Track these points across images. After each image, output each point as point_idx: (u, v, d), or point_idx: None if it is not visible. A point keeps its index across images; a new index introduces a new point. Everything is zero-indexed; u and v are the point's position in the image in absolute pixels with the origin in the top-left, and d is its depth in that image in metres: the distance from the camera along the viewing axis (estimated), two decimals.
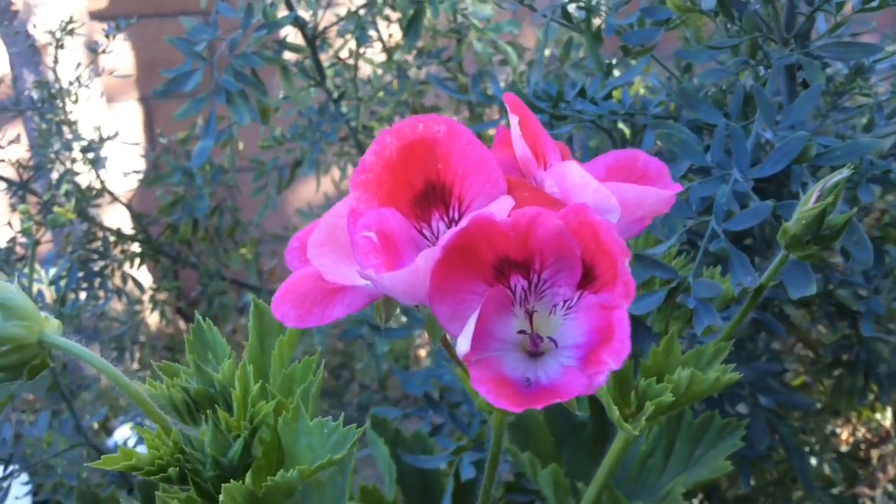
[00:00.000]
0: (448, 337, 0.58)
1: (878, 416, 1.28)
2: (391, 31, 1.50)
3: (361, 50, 1.42)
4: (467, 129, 0.56)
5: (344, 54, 1.44)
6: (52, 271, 1.20)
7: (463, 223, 0.50)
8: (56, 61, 1.36)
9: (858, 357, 0.98)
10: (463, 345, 0.51)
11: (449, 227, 0.56)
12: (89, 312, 1.36)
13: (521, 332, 0.54)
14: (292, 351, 0.69)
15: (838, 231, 0.66)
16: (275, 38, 1.30)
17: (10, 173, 1.38)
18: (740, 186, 0.72)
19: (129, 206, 1.52)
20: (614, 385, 0.74)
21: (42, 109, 1.35)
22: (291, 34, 1.39)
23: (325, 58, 1.42)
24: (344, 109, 1.40)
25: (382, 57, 1.51)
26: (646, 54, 0.88)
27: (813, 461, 1.17)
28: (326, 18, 1.36)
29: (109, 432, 1.49)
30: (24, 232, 1.14)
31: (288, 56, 1.34)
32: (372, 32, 1.43)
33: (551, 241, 0.52)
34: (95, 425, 1.37)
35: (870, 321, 0.86)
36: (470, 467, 0.96)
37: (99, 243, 1.43)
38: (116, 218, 1.57)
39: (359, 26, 1.34)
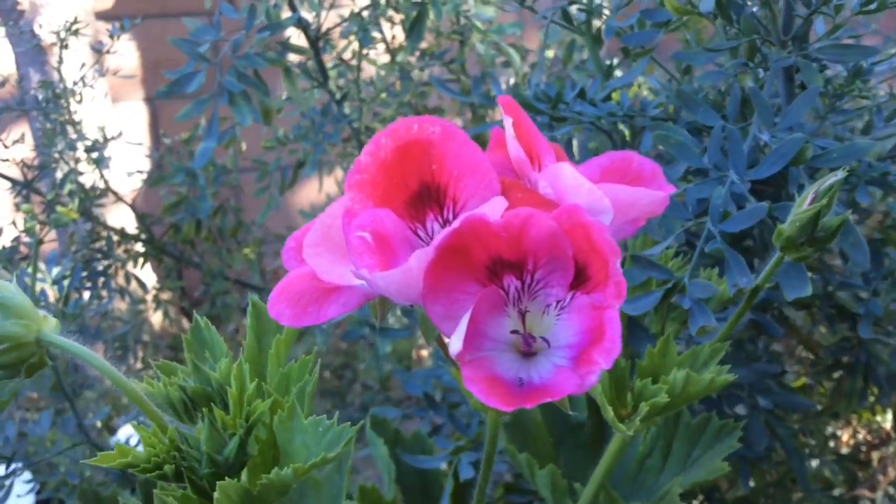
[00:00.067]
0: (443, 337, 0.59)
1: (878, 418, 1.28)
2: (394, 33, 1.50)
3: (364, 51, 1.43)
4: (462, 130, 0.57)
5: (347, 55, 1.45)
6: (55, 270, 1.21)
7: (455, 224, 0.51)
8: (60, 61, 1.37)
9: (858, 359, 0.98)
10: (456, 344, 0.51)
11: (443, 227, 0.57)
12: (93, 312, 1.37)
13: (514, 332, 0.55)
14: (289, 350, 0.70)
15: (833, 233, 0.66)
16: (278, 39, 1.30)
17: (15, 173, 1.39)
18: (737, 188, 0.72)
19: (132, 205, 1.53)
20: (610, 386, 0.75)
21: (46, 109, 1.35)
22: (295, 35, 1.40)
23: (328, 59, 1.43)
24: (347, 110, 1.40)
25: (386, 58, 1.51)
26: (645, 56, 0.88)
27: (815, 463, 1.17)
28: (330, 20, 1.37)
29: (113, 431, 1.50)
30: (28, 231, 1.15)
31: (291, 57, 1.34)
32: (375, 34, 1.43)
33: (544, 242, 0.52)
34: (98, 424, 1.37)
35: (868, 323, 0.86)
36: (468, 467, 0.96)
37: (102, 243, 1.44)
38: (120, 217, 1.58)
39: (361, 28, 1.35)
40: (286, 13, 1.28)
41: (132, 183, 1.57)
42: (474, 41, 1.46)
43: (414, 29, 1.36)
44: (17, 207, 1.34)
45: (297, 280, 0.59)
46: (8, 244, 1.30)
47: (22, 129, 1.43)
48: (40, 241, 1.15)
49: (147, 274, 1.64)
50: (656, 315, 0.81)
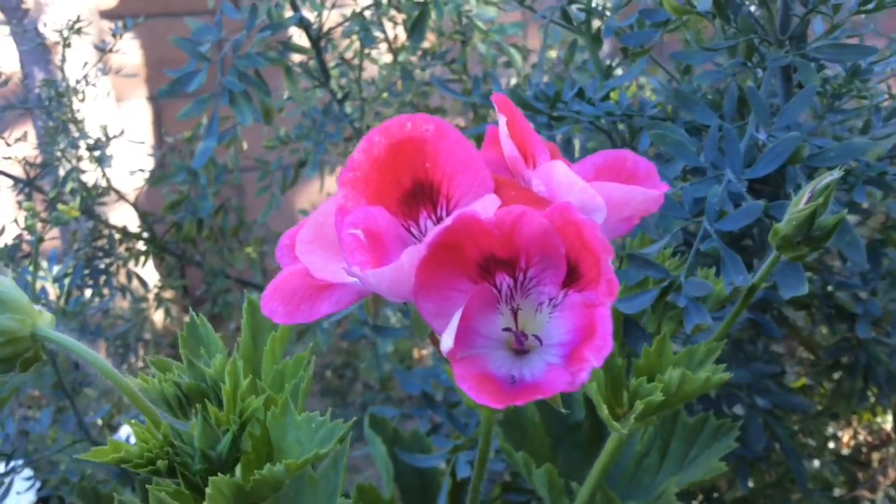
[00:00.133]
0: (436, 334, 0.59)
1: (878, 419, 1.28)
2: (397, 33, 1.50)
3: (366, 51, 1.43)
4: (455, 128, 0.57)
5: (349, 55, 1.45)
6: (56, 268, 1.21)
7: (447, 221, 0.51)
8: (63, 60, 1.37)
9: (858, 360, 0.98)
10: (447, 341, 0.51)
11: (437, 225, 0.57)
12: (94, 310, 1.37)
13: (507, 329, 0.55)
14: (284, 347, 0.70)
15: (829, 232, 0.66)
16: (280, 38, 1.31)
17: (18, 171, 1.39)
18: (734, 187, 0.72)
19: (134, 204, 1.53)
20: (607, 385, 0.75)
21: (49, 108, 1.36)
22: (297, 35, 1.40)
23: (330, 58, 1.43)
24: (348, 110, 1.41)
25: (388, 58, 1.51)
26: (644, 55, 0.88)
27: (816, 464, 1.17)
28: (332, 19, 1.37)
29: (114, 429, 1.50)
30: (28, 229, 1.16)
31: (294, 57, 1.35)
32: (378, 33, 1.43)
33: (536, 240, 0.52)
34: (99, 422, 1.37)
35: (866, 323, 0.86)
36: (466, 466, 0.96)
37: (104, 241, 1.44)
38: (123, 216, 1.58)
39: (363, 27, 1.35)
40: (288, 13, 1.29)
41: (135, 181, 1.58)
42: (476, 41, 1.46)
43: (415, 29, 1.36)
44: (20, 205, 1.35)
45: (291, 277, 0.59)
46: (10, 242, 1.31)
47: (26, 127, 1.44)
48: (41, 239, 1.16)
49: (149, 272, 1.65)
50: (653, 314, 0.81)
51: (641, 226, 0.77)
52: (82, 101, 1.39)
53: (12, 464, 1.13)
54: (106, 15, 1.85)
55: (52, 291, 1.23)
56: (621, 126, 0.97)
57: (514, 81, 1.50)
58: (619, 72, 1.10)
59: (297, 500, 0.77)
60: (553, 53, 1.69)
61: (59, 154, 1.36)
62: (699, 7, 0.77)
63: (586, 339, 0.51)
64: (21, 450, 1.15)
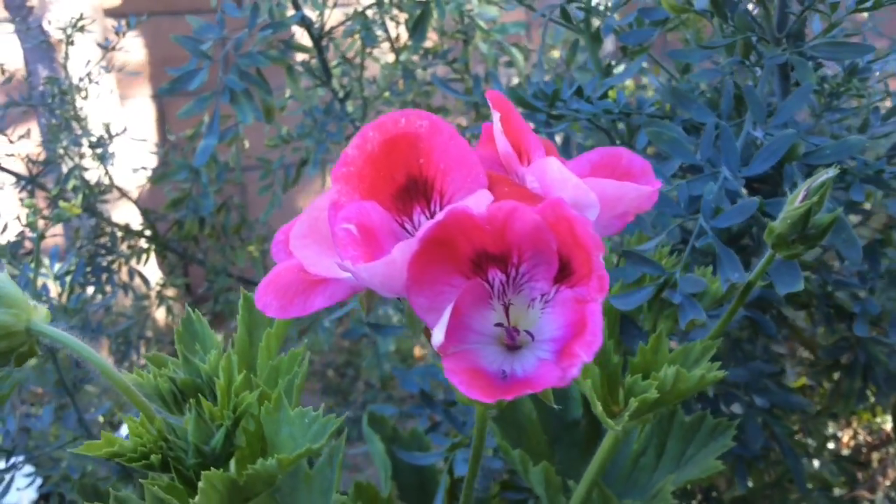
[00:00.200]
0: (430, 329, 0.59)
1: (878, 419, 1.28)
2: (399, 32, 1.51)
3: (368, 50, 1.43)
4: (449, 124, 0.57)
5: (350, 54, 1.45)
6: (58, 266, 1.22)
7: (439, 216, 0.51)
8: (66, 57, 1.38)
9: (857, 359, 0.98)
10: (438, 336, 0.51)
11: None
12: (96, 307, 1.38)
13: (499, 325, 0.55)
14: (280, 343, 0.70)
15: (824, 230, 0.66)
16: (282, 37, 1.31)
17: (22, 168, 1.40)
18: (731, 185, 0.72)
19: (136, 201, 1.54)
20: (602, 382, 0.75)
21: (52, 105, 1.36)
22: (299, 34, 1.40)
23: (332, 57, 1.43)
24: (350, 109, 1.41)
25: (391, 57, 1.51)
26: (642, 53, 0.88)
27: (816, 464, 1.17)
28: (335, 18, 1.37)
29: (115, 426, 1.51)
30: (30, 226, 1.16)
31: (297, 56, 1.35)
32: (380, 33, 1.43)
33: (528, 235, 0.52)
34: (101, 419, 1.38)
35: (864, 322, 0.86)
36: (464, 464, 0.96)
37: (106, 238, 1.45)
38: (126, 213, 1.58)
39: (364, 26, 1.35)
40: (290, 12, 1.29)
41: (138, 179, 1.58)
42: (478, 41, 1.47)
43: (417, 28, 1.37)
44: (23, 202, 1.35)
45: (285, 272, 0.59)
46: (13, 239, 1.31)
47: (31, 125, 1.44)
48: (42, 236, 1.16)
49: (153, 270, 1.65)
50: (650, 313, 0.81)
51: (638, 224, 0.77)
52: (85, 98, 1.39)
53: (13, 460, 1.13)
54: (110, 13, 1.85)
55: (54, 288, 1.23)
56: (620, 125, 0.97)
57: (515, 81, 1.50)
58: (620, 71, 1.10)
59: (292, 497, 0.77)
60: (556, 54, 1.69)
61: (61, 151, 1.36)
62: (697, 5, 0.77)
63: (577, 335, 0.51)
64: (21, 446, 1.15)
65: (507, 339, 0.54)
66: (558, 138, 1.07)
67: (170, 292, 1.60)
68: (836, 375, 1.03)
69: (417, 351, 1.83)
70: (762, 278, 0.77)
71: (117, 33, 1.38)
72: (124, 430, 1.51)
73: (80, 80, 1.39)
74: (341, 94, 1.39)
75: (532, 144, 0.60)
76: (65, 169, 1.39)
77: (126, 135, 1.46)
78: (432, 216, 0.57)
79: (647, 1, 1.00)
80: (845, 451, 1.27)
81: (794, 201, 0.67)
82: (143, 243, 1.52)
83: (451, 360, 0.52)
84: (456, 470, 0.96)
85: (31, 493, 1.41)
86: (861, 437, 1.28)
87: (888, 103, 0.87)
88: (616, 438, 0.79)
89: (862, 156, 0.77)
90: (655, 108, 0.87)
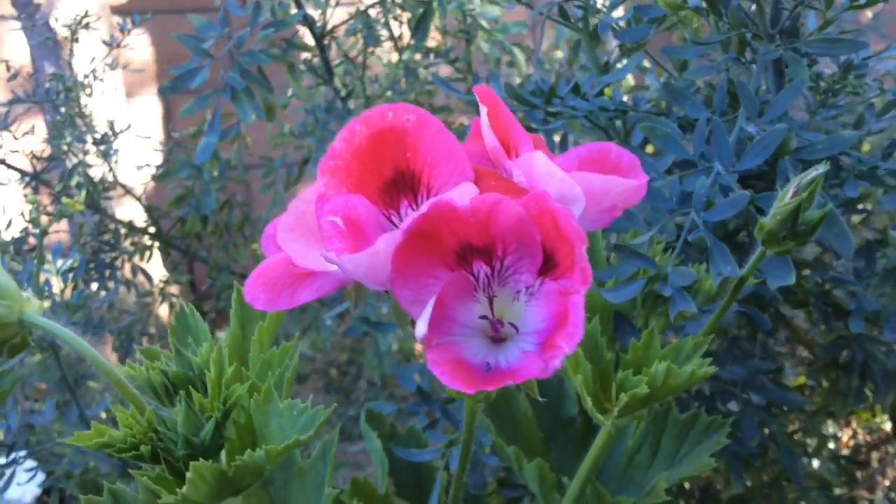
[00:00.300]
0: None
1: (877, 419, 1.27)
2: (402, 31, 1.51)
3: (371, 49, 1.43)
4: (436, 119, 0.57)
5: (353, 53, 1.46)
6: (60, 262, 1.23)
7: (423, 208, 0.51)
8: (71, 54, 1.39)
9: (854, 358, 0.97)
10: (420, 328, 0.51)
11: None
12: (99, 303, 1.38)
13: (484, 317, 0.55)
14: (272, 337, 0.71)
15: (814, 226, 0.66)
16: (285, 35, 1.31)
17: (27, 165, 1.41)
18: (724, 180, 0.72)
19: (139, 198, 1.55)
20: (594, 378, 0.75)
21: (56, 102, 1.37)
22: (303, 32, 1.41)
23: (335, 56, 1.44)
24: (352, 108, 1.41)
25: (394, 56, 1.52)
26: (638, 50, 0.88)
27: (815, 463, 1.16)
28: (337, 17, 1.38)
29: (117, 422, 1.51)
30: (33, 222, 1.17)
31: (302, 54, 1.36)
32: (383, 31, 1.44)
33: (512, 228, 0.53)
34: (103, 415, 1.39)
35: (859, 318, 0.86)
36: None
37: (110, 235, 1.46)
38: (130, 210, 1.59)
39: (367, 25, 1.36)
40: (294, 11, 1.29)
41: (142, 176, 1.59)
42: (480, 40, 1.47)
43: (419, 27, 1.37)
44: (27, 199, 1.36)
45: (274, 265, 0.59)
46: (17, 235, 1.32)
47: (38, 121, 1.45)
48: (45, 232, 1.17)
49: (157, 267, 1.66)
50: (643, 309, 0.81)
51: (633, 220, 0.77)
52: (90, 95, 1.40)
53: (13, 455, 1.14)
54: (117, 11, 1.86)
55: (57, 284, 1.24)
56: (619, 123, 0.97)
57: (517, 81, 1.51)
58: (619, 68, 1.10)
59: (285, 490, 0.78)
60: (559, 54, 1.70)
61: (65, 148, 1.37)
62: (691, 2, 0.77)
63: (559, 327, 0.51)
64: (22, 441, 1.16)
65: (492, 331, 0.55)
66: (557, 137, 1.08)
67: (173, 289, 1.61)
68: (834, 374, 1.03)
69: (420, 349, 1.83)
70: (756, 276, 0.77)
71: (122, 30, 1.39)
72: None
73: (85, 77, 1.40)
74: (343, 93, 1.39)
75: (520, 139, 0.60)
76: (69, 166, 1.40)
77: (131, 132, 1.47)
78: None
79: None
80: (845, 451, 1.26)
81: (785, 197, 0.67)
82: (146, 240, 1.53)
83: (434, 351, 0.52)
84: (452, 467, 0.96)
85: (35, 489, 1.42)
86: (861, 437, 1.28)
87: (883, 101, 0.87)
88: (609, 435, 0.79)
89: (853, 150, 0.77)
90: (651, 105, 0.87)
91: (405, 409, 1.11)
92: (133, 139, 1.52)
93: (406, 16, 1.45)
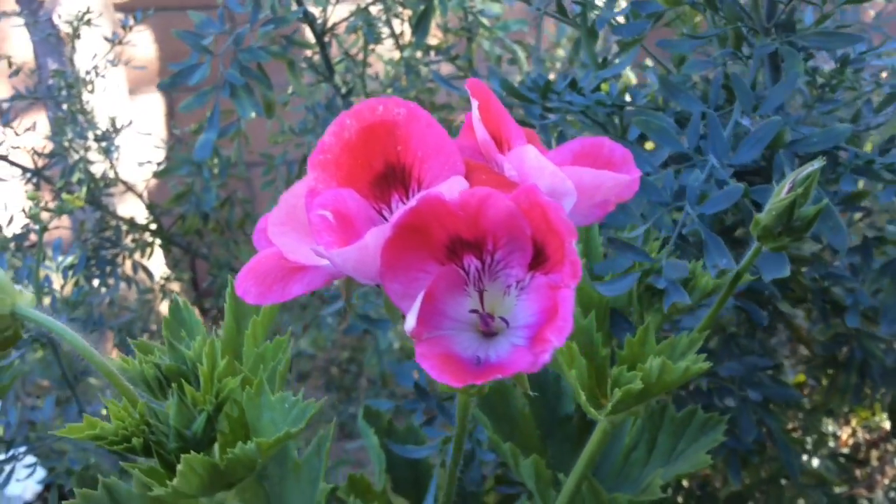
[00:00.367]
0: None
1: (876, 418, 1.27)
2: (404, 29, 1.51)
3: (371, 47, 1.43)
4: (427, 112, 0.57)
5: (354, 51, 1.46)
6: (60, 258, 1.23)
7: (412, 202, 0.51)
8: (73, 50, 1.39)
9: (853, 355, 0.97)
10: (409, 321, 0.51)
11: None
12: (100, 299, 1.39)
13: (474, 311, 0.55)
14: (266, 331, 0.71)
15: (809, 222, 0.66)
16: (285, 32, 1.31)
17: (29, 161, 1.41)
18: (719, 173, 0.72)
19: (141, 195, 1.55)
20: (590, 374, 0.75)
21: (58, 98, 1.38)
22: (304, 29, 1.41)
23: (336, 53, 1.44)
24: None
25: (395, 54, 1.52)
26: (634, 45, 0.88)
27: (815, 462, 1.16)
28: (338, 14, 1.38)
29: None
30: (33, 218, 1.17)
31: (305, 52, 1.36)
32: (384, 29, 1.44)
33: (503, 222, 0.52)
34: (103, 412, 1.39)
35: (855, 313, 0.86)
36: None
37: (111, 232, 1.46)
38: (132, 207, 1.60)
39: (367, 23, 1.36)
40: (293, 7, 1.29)
41: (144, 173, 1.59)
42: (481, 38, 1.47)
43: (420, 25, 1.37)
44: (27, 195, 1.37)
45: (265, 259, 0.59)
46: (18, 231, 1.33)
47: (41, 118, 1.45)
48: (45, 228, 1.17)
49: (159, 264, 1.66)
50: (639, 306, 0.81)
51: (628, 215, 0.77)
52: (91, 92, 1.41)
53: (12, 451, 1.14)
54: (121, 8, 1.86)
55: (57, 280, 1.24)
56: (617, 119, 0.96)
57: (518, 79, 1.50)
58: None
59: (280, 486, 0.78)
60: (561, 52, 1.69)
61: (66, 144, 1.37)
62: None
63: (549, 320, 0.51)
64: (21, 437, 1.16)
65: (482, 325, 0.55)
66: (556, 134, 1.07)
67: (174, 286, 1.61)
68: (832, 372, 1.02)
69: None
70: (754, 273, 0.77)
71: (124, 27, 1.40)
72: None
73: (87, 73, 1.40)
74: (344, 91, 1.39)
75: (512, 133, 0.60)
76: (70, 162, 1.40)
77: (133, 129, 1.47)
78: None
79: None
80: (844, 450, 1.26)
81: (780, 193, 0.67)
82: (147, 237, 1.53)
83: (424, 345, 0.52)
84: (448, 462, 0.96)
85: (36, 486, 1.42)
86: (860, 436, 1.28)
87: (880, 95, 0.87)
88: (605, 432, 0.79)
89: (848, 144, 0.77)
90: (648, 100, 0.87)
91: (403, 406, 1.11)
92: (135, 136, 1.52)
93: (407, 13, 1.45)
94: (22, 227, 1.33)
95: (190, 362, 0.64)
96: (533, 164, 0.56)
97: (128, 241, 1.50)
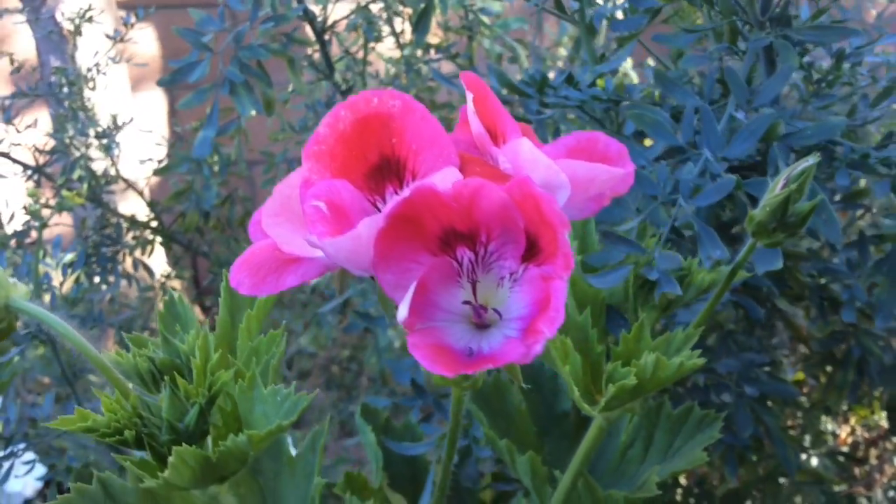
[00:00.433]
0: None
1: (875, 416, 1.27)
2: (404, 27, 1.51)
3: (372, 45, 1.43)
4: (422, 105, 0.57)
5: (354, 49, 1.46)
6: (59, 255, 1.23)
7: (405, 193, 0.51)
8: (75, 48, 1.39)
9: (851, 352, 0.97)
10: (402, 312, 0.51)
11: None
12: (100, 296, 1.39)
13: (467, 303, 0.55)
14: (260, 325, 0.71)
15: (804, 218, 0.66)
16: (285, 30, 1.31)
17: (30, 158, 1.41)
18: (713, 167, 0.72)
19: (142, 193, 1.55)
20: (585, 370, 0.75)
21: (59, 95, 1.38)
22: (304, 27, 1.41)
23: (337, 52, 1.44)
24: None
25: (396, 52, 1.52)
26: (631, 40, 0.88)
27: (814, 460, 1.16)
28: (338, 12, 1.38)
29: None
30: (32, 215, 1.17)
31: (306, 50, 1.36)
32: (384, 27, 1.44)
33: (496, 214, 0.52)
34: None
35: (851, 308, 0.85)
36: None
37: (112, 229, 1.46)
38: (133, 205, 1.60)
39: (367, 21, 1.36)
40: (293, 5, 1.29)
41: (146, 170, 1.60)
42: (482, 36, 1.47)
43: (420, 23, 1.37)
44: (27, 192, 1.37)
45: (259, 251, 0.59)
46: (19, 228, 1.33)
47: (42, 115, 1.46)
48: (44, 225, 1.18)
49: (160, 262, 1.67)
50: (634, 302, 0.81)
51: (624, 209, 0.77)
52: (93, 89, 1.41)
53: (11, 448, 1.15)
54: (122, 5, 1.86)
55: (57, 277, 1.25)
56: (614, 114, 0.96)
57: (518, 77, 1.50)
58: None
59: (275, 481, 0.78)
60: (563, 51, 1.69)
61: (67, 141, 1.38)
62: None
63: (541, 312, 0.51)
64: (20, 433, 1.16)
65: (475, 317, 0.54)
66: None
67: (175, 284, 1.61)
68: (831, 369, 1.02)
69: None
70: (749, 270, 0.77)
71: (125, 25, 1.40)
72: None
73: (88, 70, 1.41)
74: (344, 88, 1.39)
75: (507, 126, 0.60)
76: (72, 159, 1.40)
77: (135, 126, 1.47)
78: None
79: None
80: (843, 448, 1.26)
81: (775, 189, 0.66)
82: (148, 234, 1.53)
83: (416, 335, 0.52)
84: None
85: (36, 482, 1.42)
86: (859, 434, 1.28)
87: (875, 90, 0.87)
88: (601, 429, 0.79)
89: (842, 138, 0.77)
90: (645, 95, 0.87)
91: (400, 403, 1.11)
92: (137, 133, 1.53)
93: (407, 11, 1.45)
94: (23, 225, 1.33)
95: (183, 355, 0.64)
96: (527, 156, 0.56)
97: (128, 238, 1.50)
